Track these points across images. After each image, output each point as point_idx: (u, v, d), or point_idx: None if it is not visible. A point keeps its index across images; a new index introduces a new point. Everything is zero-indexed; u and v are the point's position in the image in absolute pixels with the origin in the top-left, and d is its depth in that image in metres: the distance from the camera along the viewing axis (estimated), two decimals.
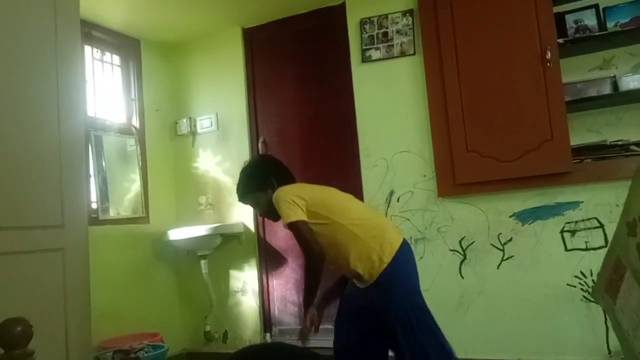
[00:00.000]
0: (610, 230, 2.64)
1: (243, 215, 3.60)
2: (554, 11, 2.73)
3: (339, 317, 2.11)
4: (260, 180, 2.14)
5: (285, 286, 3.51)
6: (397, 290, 1.89)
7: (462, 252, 2.93)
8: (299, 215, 1.90)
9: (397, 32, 3.17)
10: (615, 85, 2.63)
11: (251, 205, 2.24)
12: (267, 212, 2.13)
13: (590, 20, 2.78)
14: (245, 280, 3.58)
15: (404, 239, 1.99)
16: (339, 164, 3.40)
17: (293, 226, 1.90)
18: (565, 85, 2.68)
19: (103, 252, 3.11)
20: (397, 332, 1.85)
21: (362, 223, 1.96)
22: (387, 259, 1.88)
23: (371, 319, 1.94)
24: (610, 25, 2.74)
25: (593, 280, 2.66)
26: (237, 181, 2.23)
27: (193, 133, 3.82)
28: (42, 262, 1.91)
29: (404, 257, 1.94)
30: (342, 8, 3.37)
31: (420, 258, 2.95)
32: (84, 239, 2.11)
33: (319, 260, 1.90)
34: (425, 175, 3.03)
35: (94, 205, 3.21)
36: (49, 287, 1.93)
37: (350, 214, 1.98)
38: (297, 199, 1.94)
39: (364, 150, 3.23)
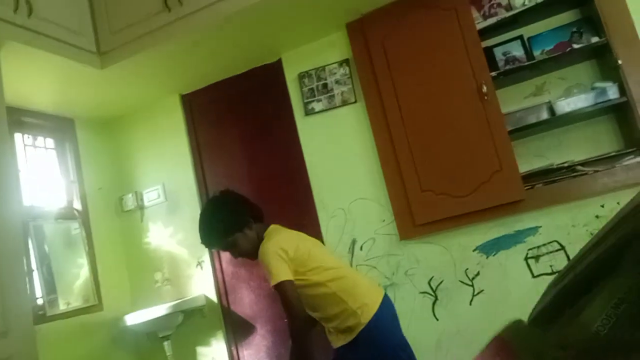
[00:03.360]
0: (571, 250, 2.67)
1: (203, 286, 3.43)
2: (483, 46, 2.82)
3: None
4: (237, 219, 1.97)
5: (257, 355, 3.33)
6: (378, 346, 1.83)
7: (432, 293, 2.88)
8: (285, 274, 1.79)
9: (336, 82, 3.19)
10: (551, 109, 2.72)
11: (224, 249, 2.03)
12: (247, 252, 1.98)
13: (517, 51, 2.90)
14: (213, 356, 3.37)
15: (385, 294, 1.94)
16: (296, 218, 3.31)
17: (279, 287, 1.79)
18: (505, 116, 2.75)
19: (55, 352, 2.85)
20: None
21: (340, 278, 1.88)
22: (366, 318, 1.82)
23: None
24: (536, 53, 2.85)
25: None
26: (201, 224, 2.01)
27: (140, 207, 3.66)
28: None
29: (384, 313, 1.88)
30: (278, 64, 3.38)
31: None
32: (31, 343, 1.94)
33: (304, 325, 1.79)
34: (384, 220, 3.00)
35: (40, 301, 2.97)
36: None
37: (327, 270, 1.89)
38: (282, 252, 1.83)
39: (319, 202, 3.18)
